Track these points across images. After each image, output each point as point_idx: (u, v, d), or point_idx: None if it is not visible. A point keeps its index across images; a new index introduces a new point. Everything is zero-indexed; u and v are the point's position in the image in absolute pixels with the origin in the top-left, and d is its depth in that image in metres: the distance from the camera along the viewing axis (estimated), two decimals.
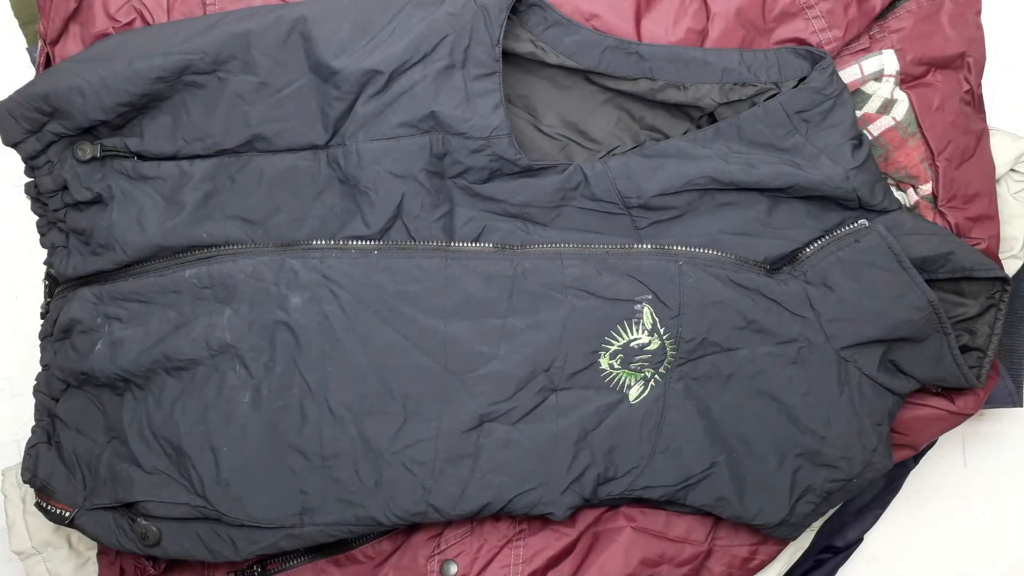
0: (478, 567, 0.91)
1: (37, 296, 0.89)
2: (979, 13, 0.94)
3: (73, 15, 0.91)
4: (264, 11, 0.87)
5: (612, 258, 0.86)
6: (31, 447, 0.89)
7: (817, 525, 1.01)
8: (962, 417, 0.93)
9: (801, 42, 0.90)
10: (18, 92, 0.87)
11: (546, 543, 0.92)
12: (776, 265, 0.88)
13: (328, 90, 0.83)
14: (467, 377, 0.85)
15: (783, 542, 0.95)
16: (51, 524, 0.93)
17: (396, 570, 0.92)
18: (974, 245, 0.90)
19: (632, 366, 0.86)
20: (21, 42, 1.01)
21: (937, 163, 0.91)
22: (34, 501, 0.89)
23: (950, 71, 0.92)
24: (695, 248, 0.86)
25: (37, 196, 0.90)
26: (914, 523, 1.13)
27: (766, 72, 0.88)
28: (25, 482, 0.89)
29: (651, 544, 0.93)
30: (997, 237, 0.93)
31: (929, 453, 1.06)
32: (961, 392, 0.93)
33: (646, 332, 0.85)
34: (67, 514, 0.86)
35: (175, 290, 0.85)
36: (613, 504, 0.93)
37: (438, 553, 0.92)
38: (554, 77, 0.90)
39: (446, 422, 0.85)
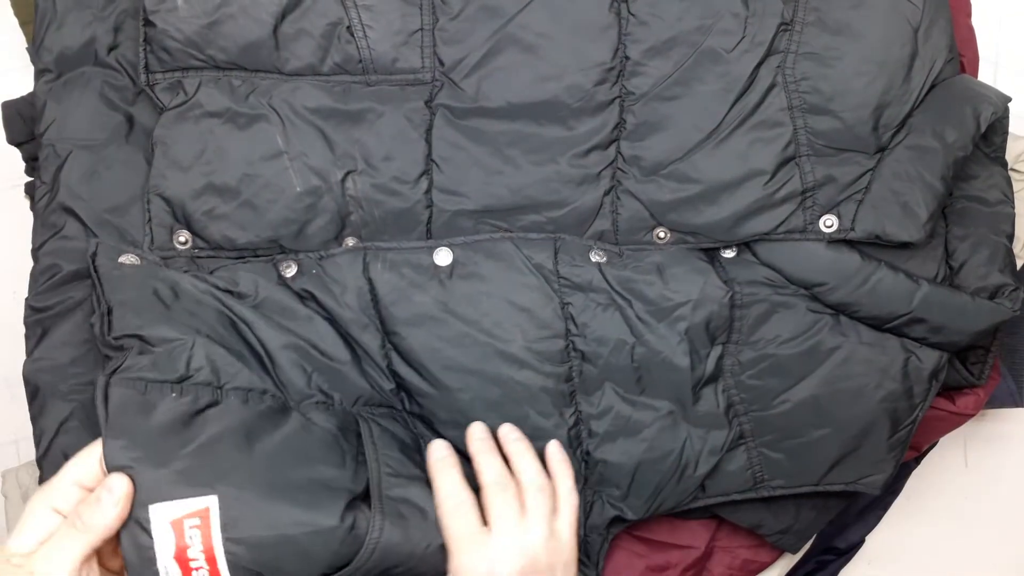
0: None
1: None
2: (969, 15, 0.96)
3: None
4: None
5: None
6: None
7: None
8: (963, 418, 0.94)
9: None
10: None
11: None
12: None
13: None
14: None
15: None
16: None
17: None
18: None
19: None
20: (21, 41, 1.01)
21: None
22: None
23: None
24: None
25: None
26: (916, 524, 1.14)
27: None
28: None
29: (656, 551, 0.93)
30: None
31: (930, 454, 1.06)
32: (962, 392, 0.94)
33: None
34: None
35: None
36: None
37: None
38: None
39: None
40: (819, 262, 0.87)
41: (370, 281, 0.85)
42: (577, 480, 0.84)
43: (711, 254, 0.90)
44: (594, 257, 0.88)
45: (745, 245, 0.89)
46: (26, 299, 0.87)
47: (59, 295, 0.86)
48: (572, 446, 0.86)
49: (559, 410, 0.86)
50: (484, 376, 0.84)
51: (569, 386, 0.86)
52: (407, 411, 0.86)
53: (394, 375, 0.85)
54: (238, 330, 0.82)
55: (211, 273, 0.84)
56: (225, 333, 0.81)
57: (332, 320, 0.85)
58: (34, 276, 0.87)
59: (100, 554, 0.68)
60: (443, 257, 0.86)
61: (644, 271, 0.87)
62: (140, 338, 0.78)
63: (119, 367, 0.75)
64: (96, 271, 0.81)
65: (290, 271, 0.85)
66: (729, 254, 0.89)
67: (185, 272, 0.83)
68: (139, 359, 0.76)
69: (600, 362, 0.86)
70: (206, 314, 0.81)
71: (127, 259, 0.83)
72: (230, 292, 0.83)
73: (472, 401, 0.84)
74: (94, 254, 0.82)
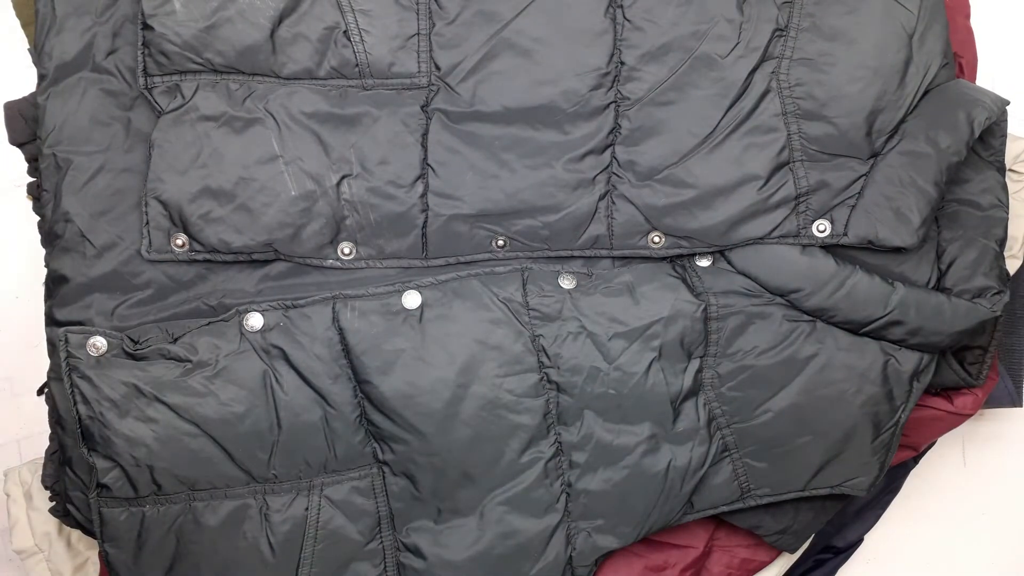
0: None
1: (38, 297, 0.89)
2: (968, 16, 0.96)
3: None
4: None
5: None
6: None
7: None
8: (961, 417, 0.94)
9: None
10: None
11: None
12: None
13: None
14: None
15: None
16: (52, 524, 0.93)
17: None
18: None
19: None
20: (23, 42, 1.01)
21: None
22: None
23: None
24: None
25: (39, 196, 0.90)
26: (914, 523, 1.14)
27: None
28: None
29: (655, 551, 0.94)
30: None
31: (929, 454, 1.06)
32: (960, 392, 0.94)
33: None
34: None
35: None
36: None
37: None
38: None
39: None
40: (794, 268, 0.87)
41: (340, 331, 0.85)
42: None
43: (683, 268, 0.90)
44: (563, 283, 0.88)
45: (720, 253, 0.89)
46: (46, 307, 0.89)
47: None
48: (550, 478, 0.87)
49: (536, 444, 0.87)
50: (458, 419, 0.85)
51: (546, 419, 0.87)
52: (381, 461, 0.87)
53: (369, 424, 0.86)
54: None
55: (175, 342, 0.85)
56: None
57: (302, 376, 0.86)
58: (47, 286, 0.89)
59: None
60: (412, 300, 0.86)
61: (614, 292, 0.88)
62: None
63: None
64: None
65: (256, 323, 0.85)
66: (704, 263, 0.89)
67: (143, 352, 0.85)
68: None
69: (576, 391, 0.87)
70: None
71: (93, 348, 0.84)
72: (189, 361, 0.84)
73: (447, 444, 0.85)
74: (67, 352, 0.84)
